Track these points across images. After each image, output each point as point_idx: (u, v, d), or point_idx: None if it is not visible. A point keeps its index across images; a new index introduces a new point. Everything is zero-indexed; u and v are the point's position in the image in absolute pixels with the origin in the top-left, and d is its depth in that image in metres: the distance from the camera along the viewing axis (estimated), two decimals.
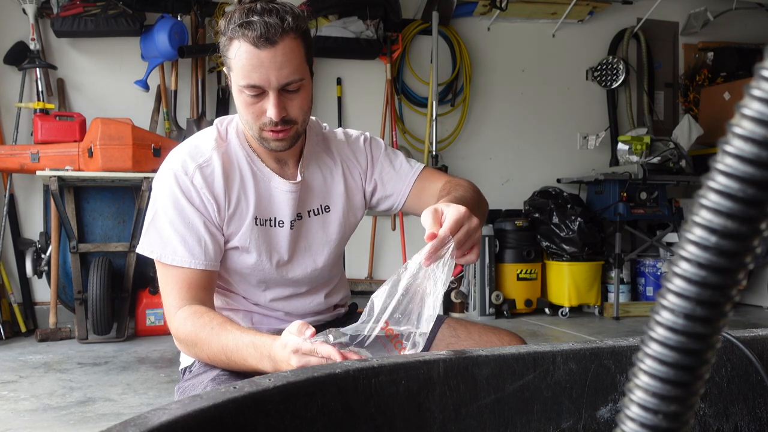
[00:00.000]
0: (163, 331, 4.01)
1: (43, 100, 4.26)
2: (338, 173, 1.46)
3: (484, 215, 1.41)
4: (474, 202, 1.33)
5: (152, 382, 3.08)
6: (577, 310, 5.00)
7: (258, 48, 1.22)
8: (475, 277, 4.76)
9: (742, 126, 0.34)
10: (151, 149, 3.99)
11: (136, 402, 2.76)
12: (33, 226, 4.42)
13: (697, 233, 0.36)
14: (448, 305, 4.86)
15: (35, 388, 2.95)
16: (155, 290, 4.06)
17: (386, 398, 0.74)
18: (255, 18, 1.21)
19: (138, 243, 1.34)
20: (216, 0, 4.69)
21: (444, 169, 4.90)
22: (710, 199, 0.36)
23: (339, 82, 5.04)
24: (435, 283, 1.01)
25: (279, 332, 1.14)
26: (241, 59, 1.23)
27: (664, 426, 0.38)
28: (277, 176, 1.38)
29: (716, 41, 5.83)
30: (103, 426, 2.34)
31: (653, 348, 0.38)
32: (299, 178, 1.39)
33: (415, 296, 1.01)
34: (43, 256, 4.19)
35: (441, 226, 1.06)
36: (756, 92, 0.34)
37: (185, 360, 1.41)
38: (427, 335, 1.01)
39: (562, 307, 4.83)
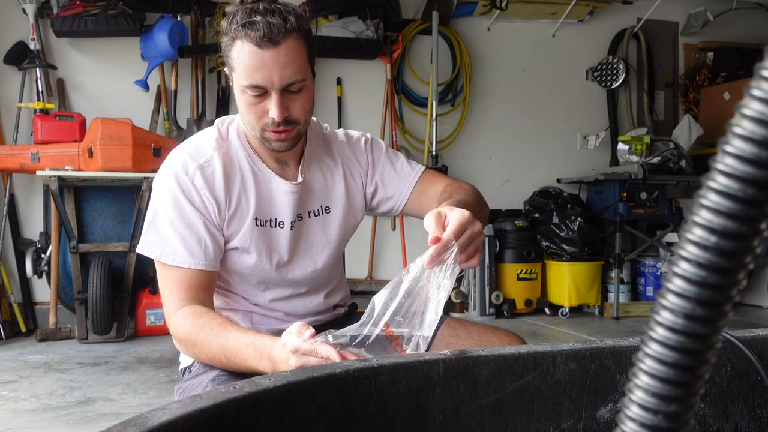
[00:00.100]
0: (163, 331, 4.01)
1: (43, 100, 4.26)
2: (339, 174, 1.46)
3: (485, 218, 1.41)
4: (476, 205, 1.33)
5: (152, 382, 3.08)
6: (577, 310, 5.00)
7: (261, 48, 1.21)
8: (475, 277, 4.76)
9: (742, 126, 0.34)
10: (151, 149, 3.99)
11: (136, 402, 2.76)
12: (33, 226, 4.42)
13: (697, 233, 0.36)
14: (448, 305, 4.85)
15: (35, 388, 2.95)
16: (155, 290, 4.06)
17: (386, 398, 0.74)
18: (258, 18, 1.21)
19: (138, 243, 1.34)
20: (216, 0, 4.69)
21: (444, 169, 4.90)
22: (710, 199, 0.36)
23: (339, 82, 5.04)
24: (438, 288, 1.01)
25: (279, 332, 1.14)
26: (244, 59, 1.23)
27: (664, 426, 0.38)
28: (278, 177, 1.37)
29: (716, 41, 5.83)
30: (103, 426, 2.34)
31: (653, 348, 0.38)
32: (300, 179, 1.39)
33: (416, 299, 1.01)
34: (43, 256, 4.19)
35: (444, 229, 1.06)
36: (756, 92, 0.34)
37: (185, 360, 1.41)
38: (429, 339, 1.01)
39: (562, 307, 4.83)
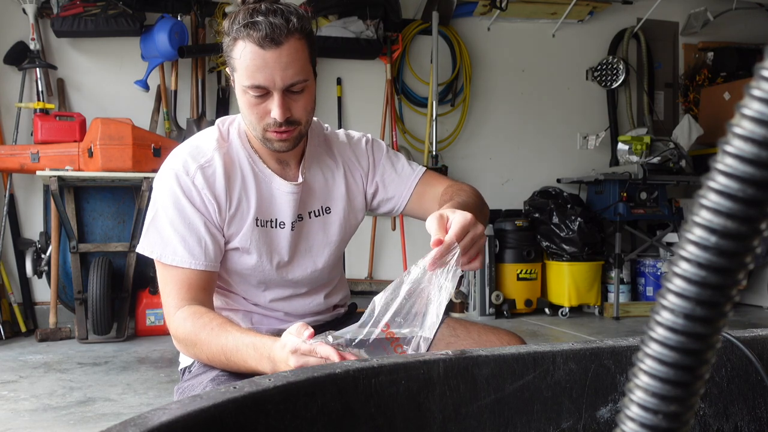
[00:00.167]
0: (163, 331, 4.01)
1: (43, 100, 4.26)
2: (339, 175, 1.46)
3: (486, 220, 1.41)
4: (477, 207, 1.33)
5: (152, 382, 3.08)
6: (577, 310, 5.00)
7: (263, 48, 1.21)
8: (475, 277, 4.76)
9: (742, 126, 0.34)
10: (151, 149, 3.99)
11: (136, 402, 2.76)
12: (33, 226, 4.42)
13: (697, 233, 0.36)
14: (448, 305, 4.81)
15: (35, 388, 2.95)
16: (155, 290, 4.06)
17: (386, 398, 0.74)
18: (260, 18, 1.21)
19: (138, 243, 1.34)
20: (216, 0, 4.69)
21: (444, 169, 4.90)
22: (710, 199, 0.36)
23: (339, 82, 5.04)
24: (439, 290, 1.01)
25: (279, 333, 1.14)
26: (246, 60, 1.23)
27: (664, 426, 0.38)
28: (279, 177, 1.37)
29: (716, 41, 5.83)
30: (103, 426, 2.34)
31: (653, 348, 0.38)
32: (300, 180, 1.39)
33: (418, 301, 1.01)
34: (43, 256, 4.19)
35: (447, 232, 1.06)
36: (756, 92, 0.34)
37: (184, 360, 1.41)
38: (430, 341, 1.01)
39: (562, 307, 4.83)
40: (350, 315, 1.58)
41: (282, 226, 1.38)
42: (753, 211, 0.35)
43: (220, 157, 1.33)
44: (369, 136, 1.54)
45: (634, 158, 4.91)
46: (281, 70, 1.23)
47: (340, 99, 5.04)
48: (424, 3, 5.10)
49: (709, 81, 5.68)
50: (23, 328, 4.17)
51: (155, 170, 1.49)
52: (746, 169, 0.34)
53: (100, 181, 3.97)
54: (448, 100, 5.28)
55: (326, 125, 1.52)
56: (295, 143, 1.33)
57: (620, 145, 5.02)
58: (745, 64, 5.51)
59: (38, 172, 3.86)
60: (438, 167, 4.84)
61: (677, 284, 0.37)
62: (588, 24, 5.58)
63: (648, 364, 0.38)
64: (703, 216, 0.36)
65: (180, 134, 4.58)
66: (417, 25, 5.13)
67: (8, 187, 4.29)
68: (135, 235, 3.93)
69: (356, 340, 1.01)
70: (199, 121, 4.61)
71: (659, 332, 0.38)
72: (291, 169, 1.41)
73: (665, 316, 0.38)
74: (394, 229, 5.10)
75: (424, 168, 1.53)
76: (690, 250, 0.36)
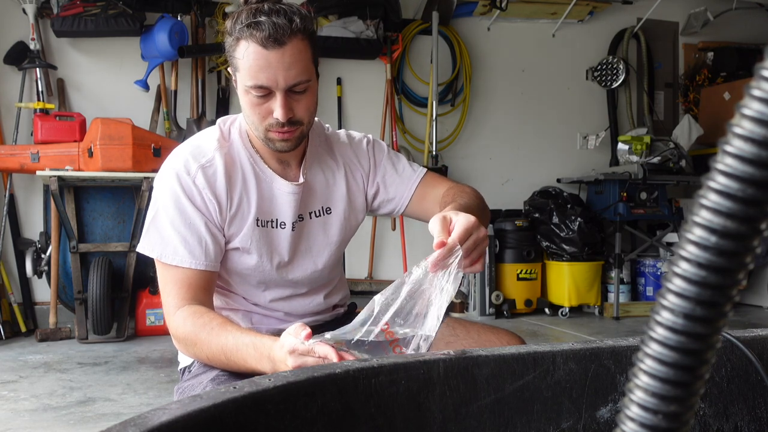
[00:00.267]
0: (163, 331, 4.01)
1: (43, 100, 4.26)
2: (340, 175, 1.46)
3: (487, 222, 1.41)
4: (479, 209, 1.33)
5: (152, 382, 3.08)
6: (577, 310, 5.00)
7: (266, 48, 1.21)
8: (475, 277, 4.76)
9: (742, 126, 0.34)
10: (151, 149, 3.99)
11: (136, 402, 2.76)
12: (33, 226, 4.42)
13: (697, 233, 0.36)
14: (448, 305, 4.85)
15: (35, 388, 2.95)
16: (155, 290, 4.06)
17: (386, 398, 0.74)
18: (263, 18, 1.21)
19: (138, 243, 1.34)
20: (216, 0, 4.69)
21: (444, 169, 4.90)
22: (710, 199, 0.36)
23: (339, 82, 5.04)
24: (440, 292, 1.01)
25: (278, 332, 1.14)
26: (249, 60, 1.23)
27: (664, 426, 0.38)
28: (280, 177, 1.37)
29: (716, 41, 5.83)
30: (103, 426, 2.34)
31: (653, 348, 0.38)
32: (301, 180, 1.39)
33: (418, 302, 1.01)
34: (43, 256, 4.19)
35: (450, 234, 1.06)
36: (756, 92, 0.34)
37: (184, 360, 1.41)
38: (430, 343, 1.01)
39: (562, 307, 4.83)
40: (350, 315, 1.58)
41: (282, 227, 1.38)
42: (753, 211, 0.35)
43: (221, 157, 1.33)
44: (370, 136, 1.53)
45: (634, 158, 4.91)
46: (284, 70, 1.23)
47: (340, 99, 5.04)
48: (424, 3, 5.10)
49: (709, 81, 5.68)
50: (23, 328, 4.17)
51: (155, 170, 1.49)
52: (746, 169, 0.34)
53: (100, 181, 3.97)
54: (448, 100, 5.28)
55: (327, 125, 1.52)
56: (297, 143, 1.33)
57: (620, 145, 5.02)
58: (745, 64, 5.51)
59: (38, 172, 3.87)
60: (438, 167, 4.84)
61: (677, 284, 0.37)
62: (588, 24, 5.58)
63: (648, 364, 0.38)
64: (703, 216, 0.36)
65: (180, 134, 4.58)
66: (417, 25, 5.13)
67: (8, 187, 4.29)
68: (135, 235, 3.93)
69: (354, 340, 1.00)
70: (199, 121, 4.61)
71: (659, 332, 0.38)
72: (292, 169, 1.41)
73: (665, 316, 0.38)
74: (394, 229, 5.10)
75: (425, 169, 1.53)
76: (690, 250, 0.36)
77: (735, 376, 0.88)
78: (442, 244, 1.03)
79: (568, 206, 4.87)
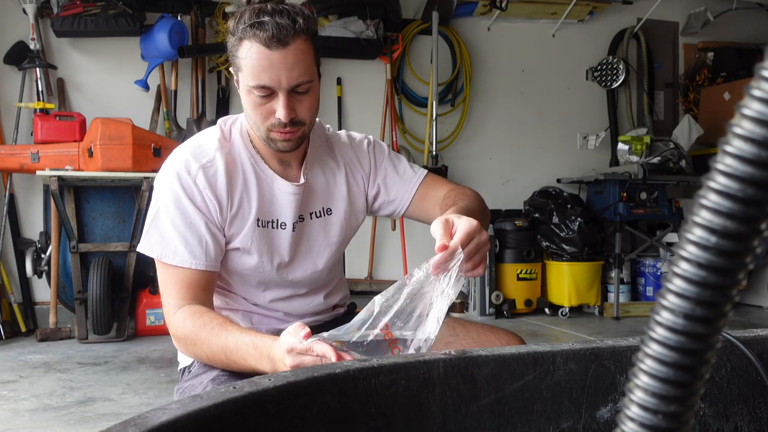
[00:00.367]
0: (163, 331, 4.01)
1: (43, 100, 4.26)
2: (341, 176, 1.46)
3: (487, 224, 1.41)
4: (480, 212, 1.33)
5: (152, 382, 3.08)
6: (577, 310, 5.00)
7: (269, 49, 1.21)
8: (475, 277, 4.75)
9: (742, 126, 0.34)
10: (151, 149, 3.99)
11: (136, 402, 2.76)
12: (33, 226, 4.42)
13: (697, 233, 0.36)
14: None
15: (35, 388, 2.95)
16: (155, 290, 4.06)
17: (386, 398, 0.74)
18: (266, 18, 1.21)
19: (138, 243, 1.34)
20: (216, 0, 4.69)
21: (444, 169, 4.90)
22: (710, 199, 0.36)
23: (339, 82, 5.04)
24: (441, 295, 1.01)
25: (278, 332, 1.14)
26: (252, 60, 1.23)
27: (664, 426, 0.38)
28: (280, 178, 1.37)
29: (716, 41, 5.83)
30: (103, 426, 2.34)
31: (653, 348, 0.38)
32: (302, 180, 1.39)
33: (419, 305, 1.01)
34: (43, 255, 4.19)
35: (452, 237, 1.06)
36: (756, 92, 0.34)
37: (184, 360, 1.41)
38: (429, 345, 1.01)
39: (562, 307, 4.83)
40: (350, 315, 1.57)
41: (283, 227, 1.38)
42: (753, 211, 0.35)
43: (222, 157, 1.33)
44: (371, 137, 1.53)
45: (634, 158, 4.91)
46: (287, 70, 1.23)
47: (340, 99, 5.04)
48: (424, 3, 5.10)
49: (709, 81, 5.68)
50: (23, 328, 4.17)
51: (155, 170, 1.49)
52: (746, 169, 0.34)
53: (100, 181, 3.97)
54: (448, 100, 5.28)
55: (328, 126, 1.52)
56: (298, 143, 1.33)
57: (620, 145, 5.02)
58: (745, 64, 5.51)
59: (38, 172, 3.87)
60: (438, 167, 4.84)
61: (677, 284, 0.37)
62: (588, 24, 5.58)
63: (648, 364, 0.38)
64: (703, 216, 0.36)
65: (180, 134, 4.58)
66: (417, 25, 5.13)
67: (8, 187, 4.29)
68: (135, 235, 3.93)
69: (352, 341, 1.00)
70: (199, 121, 4.61)
71: (659, 332, 0.38)
72: (293, 169, 1.40)
73: (665, 316, 0.38)
74: (394, 229, 5.10)
75: (426, 170, 1.53)
76: (690, 250, 0.36)
77: (735, 376, 0.88)
78: (444, 248, 1.04)
79: (568, 206, 4.87)
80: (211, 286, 1.33)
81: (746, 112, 0.34)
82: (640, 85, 5.71)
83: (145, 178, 3.89)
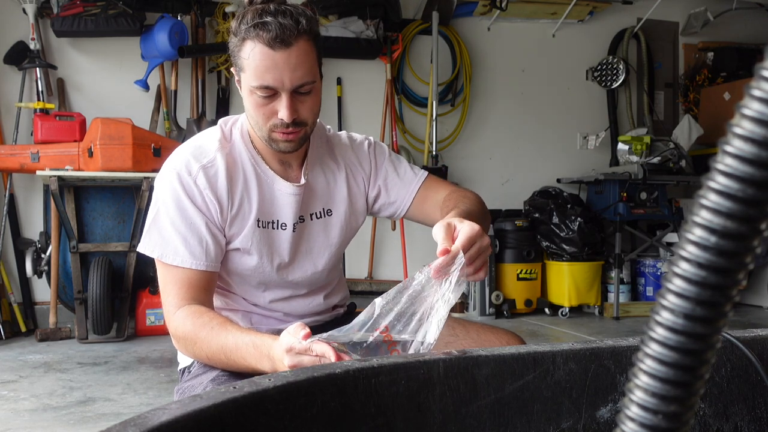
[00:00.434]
0: (163, 331, 4.01)
1: (43, 100, 4.26)
2: (341, 177, 1.46)
3: (488, 227, 1.41)
4: (481, 215, 1.33)
5: (152, 382, 3.08)
6: (577, 310, 5.00)
7: (272, 49, 1.21)
8: (476, 281, 4.75)
9: (742, 126, 0.34)
10: (151, 149, 3.99)
11: (136, 402, 2.76)
12: (33, 226, 4.42)
13: (697, 233, 0.36)
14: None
15: (35, 388, 2.95)
16: (155, 290, 4.06)
17: (386, 398, 0.74)
18: (269, 19, 1.21)
19: (138, 243, 1.34)
20: (216, 0, 4.69)
21: (444, 169, 4.90)
22: (710, 199, 0.36)
23: (339, 82, 5.04)
24: (442, 298, 1.01)
25: (278, 333, 1.14)
26: (255, 60, 1.23)
27: (664, 426, 0.38)
28: (281, 178, 1.37)
29: (716, 41, 5.83)
30: (103, 426, 2.34)
31: (653, 348, 0.38)
32: (303, 181, 1.39)
33: (420, 308, 1.01)
34: (43, 255, 4.19)
35: (454, 241, 1.06)
36: (756, 92, 0.34)
37: (184, 361, 1.41)
38: (429, 348, 1.01)
39: (562, 307, 4.83)
40: (349, 315, 1.58)
41: (283, 228, 1.38)
42: (753, 211, 0.35)
43: (223, 157, 1.33)
44: (371, 138, 1.53)
45: (634, 158, 4.91)
46: (290, 71, 1.23)
47: (340, 99, 5.04)
48: (424, 3, 5.10)
49: (709, 81, 5.68)
50: (23, 328, 4.17)
51: (155, 170, 1.50)
52: (746, 169, 0.34)
53: (100, 181, 3.97)
54: (448, 100, 5.28)
55: (328, 127, 1.52)
56: (300, 144, 1.33)
57: (620, 145, 5.02)
58: (745, 64, 5.51)
59: (38, 172, 3.87)
60: (438, 167, 4.84)
61: (677, 284, 0.37)
62: (588, 24, 5.58)
63: (648, 364, 0.38)
64: (703, 216, 0.36)
65: (180, 134, 4.58)
66: (417, 25, 5.13)
67: (8, 187, 4.29)
68: (135, 235, 3.93)
69: (352, 342, 1.00)
70: (199, 121, 4.61)
71: (659, 332, 0.38)
72: (293, 170, 1.40)
73: (665, 316, 0.38)
74: (394, 229, 5.10)
75: (426, 172, 1.53)
76: (690, 250, 0.36)
77: (735, 376, 0.88)
78: (446, 252, 1.04)
79: (568, 206, 4.87)
80: (211, 286, 1.33)
81: (746, 112, 0.34)
82: (640, 85, 5.71)
83: (145, 178, 3.89)
